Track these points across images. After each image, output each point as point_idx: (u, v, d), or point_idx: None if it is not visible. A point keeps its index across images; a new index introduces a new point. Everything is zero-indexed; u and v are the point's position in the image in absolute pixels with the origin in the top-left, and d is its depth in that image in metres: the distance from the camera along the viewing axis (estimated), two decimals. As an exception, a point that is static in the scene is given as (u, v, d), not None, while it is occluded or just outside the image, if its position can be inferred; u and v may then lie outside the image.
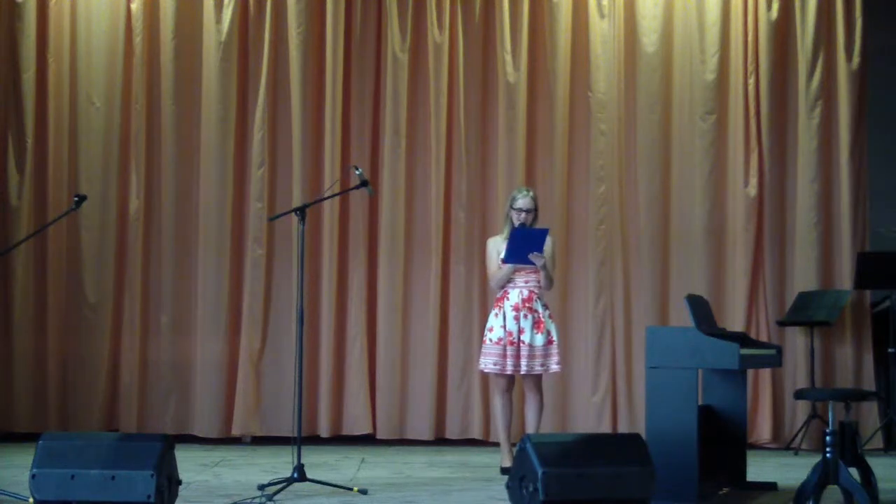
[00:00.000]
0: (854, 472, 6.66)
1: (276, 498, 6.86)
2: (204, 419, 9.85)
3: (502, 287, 8.20)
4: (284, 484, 7.05)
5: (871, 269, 9.66)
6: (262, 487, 7.06)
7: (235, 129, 10.01)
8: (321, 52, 10.07)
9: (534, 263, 8.03)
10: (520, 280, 8.17)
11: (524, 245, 7.97)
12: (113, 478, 5.92)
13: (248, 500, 6.76)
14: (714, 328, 7.09)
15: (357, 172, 7.67)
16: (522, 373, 8.14)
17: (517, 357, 8.09)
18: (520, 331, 8.09)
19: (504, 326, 8.10)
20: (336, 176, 9.85)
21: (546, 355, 8.13)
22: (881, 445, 9.61)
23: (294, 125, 9.99)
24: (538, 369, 8.13)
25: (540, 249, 7.98)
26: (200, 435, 9.79)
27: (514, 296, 8.15)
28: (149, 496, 5.87)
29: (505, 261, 8.09)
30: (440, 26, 10.08)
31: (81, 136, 9.99)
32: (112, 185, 9.99)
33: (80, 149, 9.99)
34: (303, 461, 7.17)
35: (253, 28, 10.08)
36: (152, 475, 5.89)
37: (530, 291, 8.15)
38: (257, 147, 9.98)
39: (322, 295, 9.93)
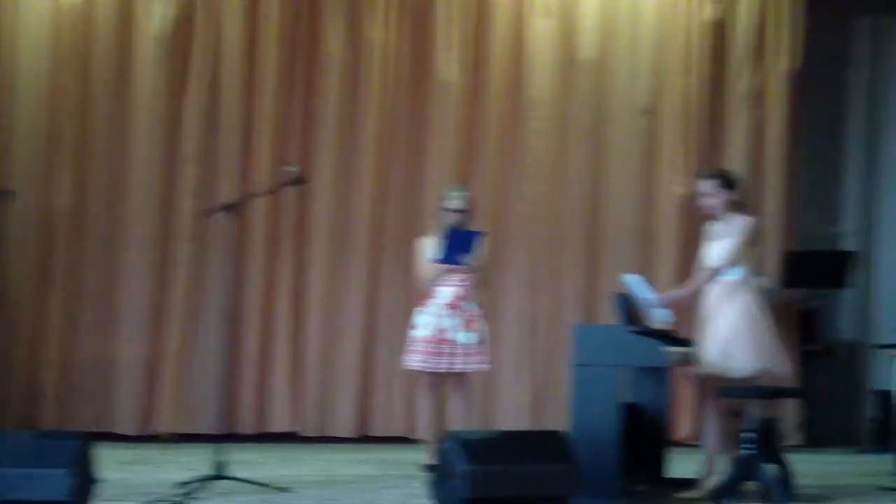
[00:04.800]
0: (772, 468, 6.74)
1: (196, 496, 6.78)
2: (125, 417, 9.74)
3: (432, 287, 8.18)
4: (205, 482, 6.98)
5: (798, 268, 9.76)
6: (182, 485, 6.98)
7: (167, 124, 9.90)
8: (255, 47, 10.00)
9: (466, 264, 8.03)
10: (451, 278, 8.14)
11: (458, 246, 7.96)
12: (29, 476, 5.82)
13: (168, 499, 6.68)
14: (640, 326, 7.12)
15: (290, 169, 7.62)
16: (450, 370, 8.12)
17: (446, 354, 8.07)
18: (450, 328, 8.07)
19: (433, 324, 8.08)
20: (268, 173, 9.78)
21: (474, 353, 8.11)
22: (800, 442, 9.73)
23: (227, 121, 9.92)
24: (466, 367, 8.12)
25: (473, 251, 7.98)
26: (121, 432, 9.67)
27: (446, 293, 8.12)
28: (66, 495, 5.78)
29: (438, 261, 8.06)
30: (376, 23, 10.04)
31: (8, 130, 9.79)
32: (39, 179, 9.82)
33: (6, 143, 9.79)
34: (225, 459, 7.10)
35: (186, 23, 9.95)
36: (69, 473, 5.80)
37: (461, 290, 8.13)
38: (188, 142, 9.87)
39: (248, 292, 9.86)
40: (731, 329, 6.94)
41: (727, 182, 7.18)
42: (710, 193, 7.16)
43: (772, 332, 7.01)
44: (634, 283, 7.15)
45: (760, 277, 7.20)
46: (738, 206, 7.17)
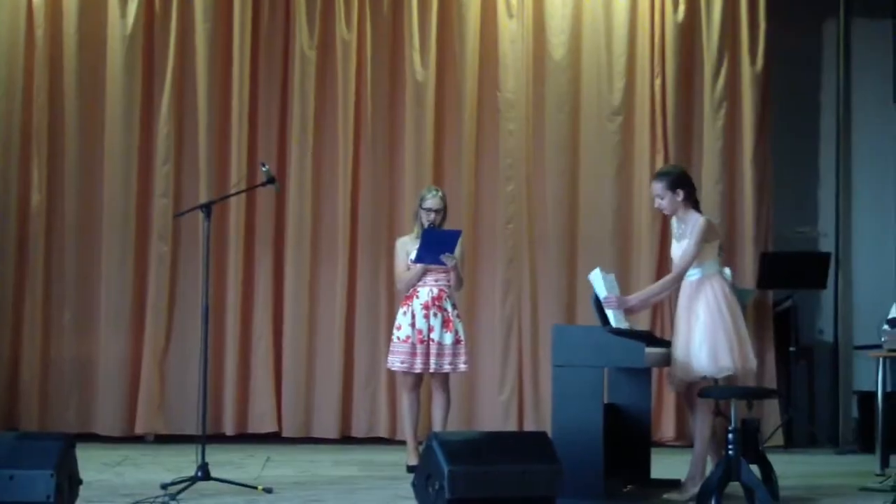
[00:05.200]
0: (755, 468, 6.76)
1: (179, 497, 6.77)
2: (107, 417, 9.71)
3: (411, 287, 8.18)
4: (188, 483, 6.97)
5: (774, 269, 9.80)
6: (165, 486, 6.96)
7: (140, 124, 9.89)
8: (228, 47, 9.98)
9: (445, 264, 8.03)
10: (430, 279, 8.15)
11: (437, 246, 7.97)
12: (11, 477, 5.79)
13: (151, 500, 6.67)
14: (621, 328, 7.12)
15: (264, 169, 7.62)
16: (431, 371, 8.13)
17: (426, 355, 8.08)
18: (429, 329, 8.08)
19: (413, 325, 8.09)
20: (242, 172, 9.80)
21: (454, 354, 8.13)
22: (782, 443, 9.75)
23: (200, 121, 9.90)
24: (447, 368, 8.13)
25: (452, 250, 7.99)
26: (103, 433, 9.65)
27: (424, 294, 8.13)
28: (48, 496, 5.76)
29: (416, 261, 8.07)
30: (348, 23, 10.04)
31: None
32: (13, 179, 9.80)
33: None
34: (207, 460, 7.09)
35: (158, 22, 9.95)
36: (52, 475, 5.77)
37: (440, 290, 8.15)
38: (163, 143, 9.87)
39: (228, 292, 9.85)
40: (694, 330, 6.93)
41: (676, 182, 7.08)
42: (659, 195, 7.14)
43: (737, 329, 6.94)
44: (596, 281, 7.11)
45: (724, 269, 7.14)
46: (691, 204, 7.11)
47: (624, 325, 7.07)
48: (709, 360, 6.86)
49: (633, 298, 7.30)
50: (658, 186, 7.13)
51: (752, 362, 7.04)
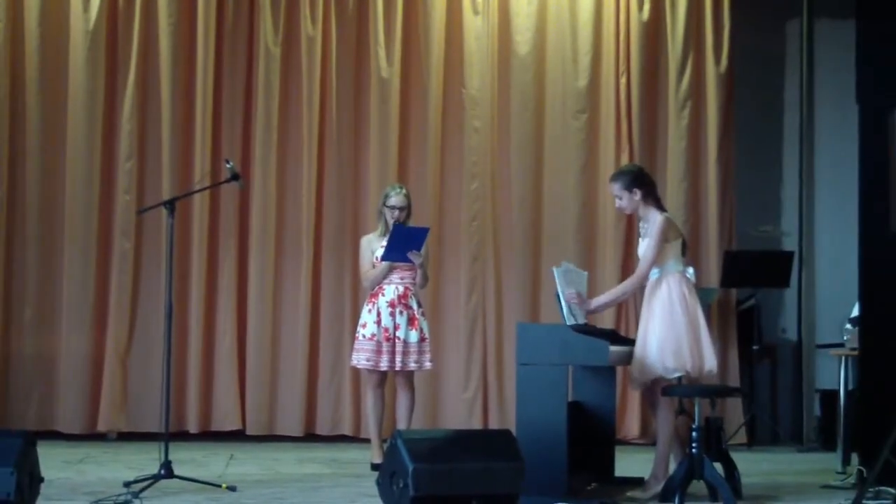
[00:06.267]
0: (719, 466, 6.79)
1: (142, 495, 6.73)
2: (68, 415, 9.66)
3: (377, 285, 8.16)
4: (151, 481, 6.93)
5: (737, 267, 9.84)
6: (127, 484, 6.93)
7: (103, 119, 9.84)
8: (192, 43, 9.95)
9: (412, 261, 8.02)
10: (395, 276, 8.14)
11: (404, 243, 7.96)
12: (-29, 475, 5.75)
13: (114, 498, 6.63)
14: (584, 325, 7.14)
15: (228, 166, 7.60)
16: (397, 369, 8.12)
17: (392, 353, 8.06)
18: (395, 327, 8.06)
19: (379, 322, 8.07)
20: (206, 169, 9.76)
21: (420, 352, 8.12)
22: (745, 441, 9.79)
23: (164, 117, 9.86)
24: (412, 366, 8.12)
25: (420, 247, 7.98)
26: (64, 431, 9.60)
27: (390, 291, 8.12)
28: (8, 494, 5.72)
29: (384, 258, 8.05)
30: (313, 20, 10.02)
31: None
32: (-26, 175, 9.75)
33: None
34: (170, 457, 7.06)
35: (122, 17, 9.89)
36: (12, 472, 5.74)
37: (405, 288, 8.13)
38: (126, 139, 9.82)
39: (191, 289, 9.82)
40: (648, 330, 6.94)
41: (632, 181, 7.05)
42: (617, 195, 7.13)
43: (694, 329, 6.91)
44: (559, 275, 7.09)
45: (686, 269, 7.14)
46: (652, 202, 7.09)
47: (580, 320, 7.05)
48: (659, 361, 6.86)
49: (596, 302, 7.28)
50: (615, 187, 7.12)
51: (710, 363, 6.94)
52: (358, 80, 10.12)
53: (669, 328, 6.87)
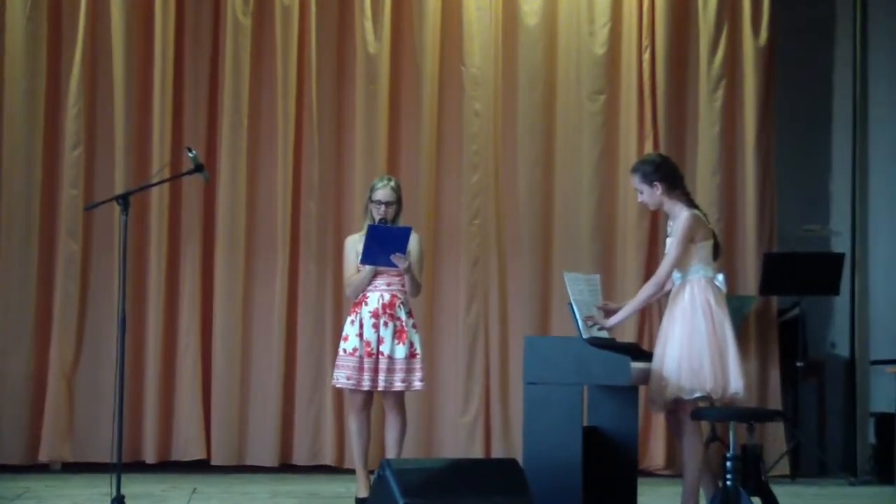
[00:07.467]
0: (757, 501, 6.76)
1: (89, 536, 6.73)
2: (5, 443, 9.64)
3: (360, 293, 8.12)
4: (100, 519, 6.92)
5: (779, 272, 9.83)
6: (72, 523, 6.92)
7: (45, 103, 9.86)
8: (149, 14, 9.96)
9: (396, 265, 7.97)
10: (381, 283, 8.09)
11: (384, 244, 7.91)
12: None
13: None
14: (602, 339, 7.11)
15: (191, 155, 7.56)
16: (381, 389, 8.07)
17: (374, 371, 8.01)
18: (379, 340, 8.01)
19: (361, 335, 8.03)
20: (166, 159, 9.79)
21: (408, 370, 8.06)
22: (787, 472, 9.79)
23: (116, 99, 9.88)
24: (398, 386, 8.07)
25: (402, 250, 7.92)
26: (1, 462, 9.57)
27: (374, 300, 8.07)
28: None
29: (363, 262, 8.02)
30: (287, -15, 10.03)
31: None
32: None
33: None
34: (123, 492, 7.02)
35: (67, -13, 9.92)
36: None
37: (392, 296, 8.09)
38: (72, 123, 9.83)
39: (149, 297, 9.83)
40: (668, 343, 6.89)
41: (651, 173, 7.02)
42: (638, 189, 7.10)
43: (719, 344, 6.84)
44: (571, 282, 7.06)
45: (716, 275, 7.09)
46: (678, 197, 7.05)
47: (598, 333, 7.03)
48: (675, 378, 6.80)
49: (612, 322, 7.18)
50: (634, 180, 7.12)
51: (736, 385, 6.85)
52: (341, 57, 10.14)
53: (689, 340, 6.82)
